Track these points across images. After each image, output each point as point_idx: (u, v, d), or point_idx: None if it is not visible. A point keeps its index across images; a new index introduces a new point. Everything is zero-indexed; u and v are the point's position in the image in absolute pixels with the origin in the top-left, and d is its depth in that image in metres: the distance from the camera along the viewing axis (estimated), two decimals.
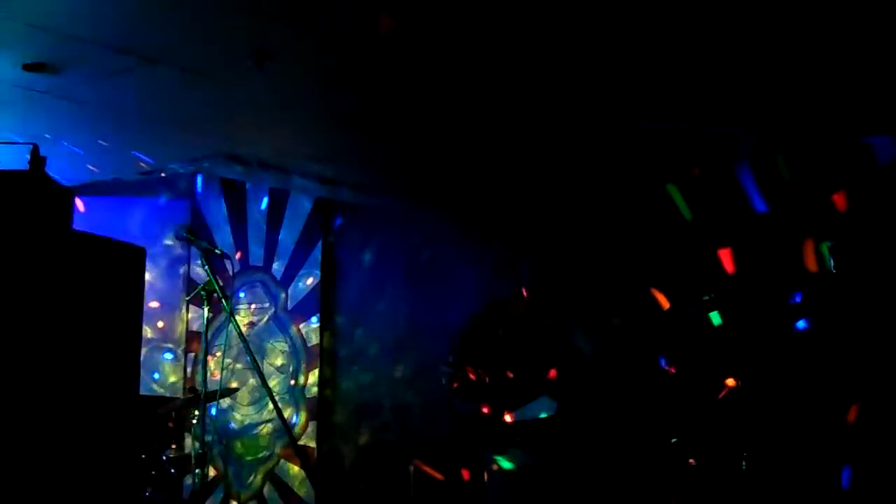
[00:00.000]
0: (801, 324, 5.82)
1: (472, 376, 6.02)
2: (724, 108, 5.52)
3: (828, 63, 4.89)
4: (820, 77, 5.07)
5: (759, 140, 5.92)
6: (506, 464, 5.61)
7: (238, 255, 8.32)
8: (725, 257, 6.18)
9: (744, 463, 5.18)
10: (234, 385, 7.80)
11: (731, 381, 5.04)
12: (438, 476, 6.91)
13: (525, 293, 5.62)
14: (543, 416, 5.00)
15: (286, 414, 7.37)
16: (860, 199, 5.72)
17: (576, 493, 4.71)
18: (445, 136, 6.28)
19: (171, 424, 6.91)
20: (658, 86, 5.26)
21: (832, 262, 5.36)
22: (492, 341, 5.97)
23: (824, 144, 5.85)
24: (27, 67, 5.27)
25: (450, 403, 6.08)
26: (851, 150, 5.73)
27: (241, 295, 8.24)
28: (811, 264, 5.84)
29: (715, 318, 5.98)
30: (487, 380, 5.88)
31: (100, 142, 6.58)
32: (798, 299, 5.92)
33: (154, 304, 8.06)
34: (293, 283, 8.30)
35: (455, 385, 6.03)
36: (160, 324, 8.25)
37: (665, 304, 5.46)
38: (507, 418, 5.60)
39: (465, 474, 6.29)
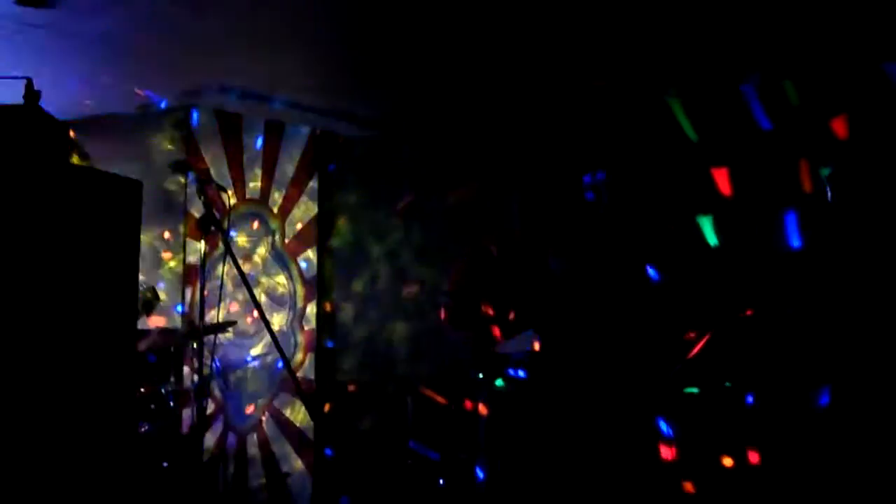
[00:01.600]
0: (795, 243, 5.80)
1: (465, 306, 6.06)
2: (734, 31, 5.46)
3: None
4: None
5: (768, 62, 5.84)
6: (499, 387, 5.65)
7: (234, 188, 8.29)
8: (721, 177, 6.14)
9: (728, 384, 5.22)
10: (232, 318, 7.83)
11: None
12: (441, 400, 6.96)
13: (518, 223, 5.64)
14: (534, 343, 5.05)
15: (284, 346, 7.39)
16: (867, 126, 5.64)
17: (568, 416, 4.76)
18: (440, 66, 6.25)
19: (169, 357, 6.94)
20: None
21: (829, 189, 5.34)
22: (486, 265, 6.01)
23: (836, 69, 5.75)
24: (21, 1, 5.23)
25: (446, 333, 6.13)
26: (865, 76, 5.64)
27: (234, 232, 8.23)
28: (807, 186, 5.80)
29: (710, 237, 5.96)
30: (481, 309, 5.92)
31: (95, 75, 6.55)
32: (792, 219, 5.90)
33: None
34: (290, 216, 8.30)
35: (448, 315, 6.07)
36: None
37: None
38: (498, 340, 5.63)
39: (468, 404, 6.35)
